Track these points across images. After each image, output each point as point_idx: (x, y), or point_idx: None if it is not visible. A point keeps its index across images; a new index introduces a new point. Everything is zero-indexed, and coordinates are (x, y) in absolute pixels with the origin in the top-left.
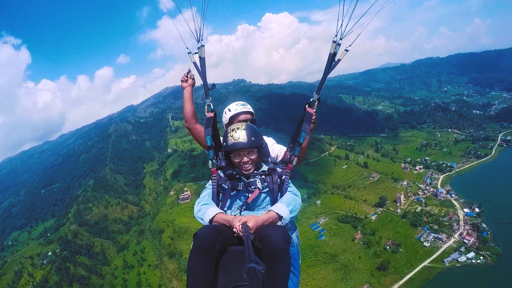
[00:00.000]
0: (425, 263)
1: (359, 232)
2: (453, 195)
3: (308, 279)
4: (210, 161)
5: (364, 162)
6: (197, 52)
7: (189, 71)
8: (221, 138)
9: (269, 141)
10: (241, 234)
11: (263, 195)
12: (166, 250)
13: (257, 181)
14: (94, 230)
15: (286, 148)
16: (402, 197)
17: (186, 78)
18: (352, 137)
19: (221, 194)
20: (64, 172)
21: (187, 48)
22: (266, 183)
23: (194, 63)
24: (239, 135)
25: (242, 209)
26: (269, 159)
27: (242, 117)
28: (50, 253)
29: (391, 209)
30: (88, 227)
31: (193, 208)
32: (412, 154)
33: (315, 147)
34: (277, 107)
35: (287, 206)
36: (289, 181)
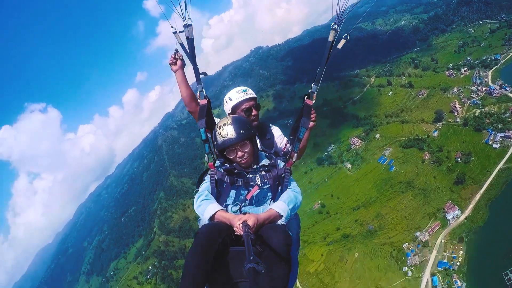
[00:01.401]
0: (500, 165)
1: (426, 152)
2: (508, 88)
3: (391, 212)
4: (206, 155)
5: (408, 82)
6: (183, 31)
7: (176, 51)
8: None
9: (276, 131)
10: (241, 233)
11: (263, 192)
12: None
13: (257, 178)
14: (181, 234)
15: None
16: (457, 105)
17: (174, 60)
18: (386, 61)
19: (220, 188)
20: (134, 196)
21: (172, 27)
22: (265, 180)
23: (181, 45)
24: (227, 131)
25: (242, 206)
26: (272, 150)
27: (245, 105)
28: (150, 268)
29: (450, 120)
30: (175, 233)
31: (194, 201)
32: (452, 59)
33: (355, 84)
34: (302, 59)
35: (287, 204)
36: (290, 177)
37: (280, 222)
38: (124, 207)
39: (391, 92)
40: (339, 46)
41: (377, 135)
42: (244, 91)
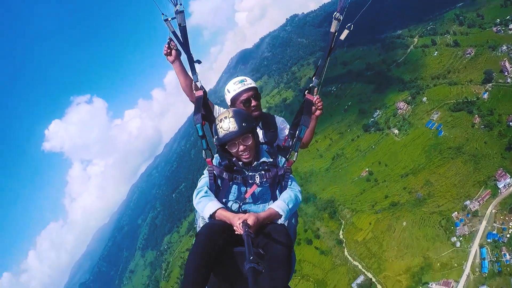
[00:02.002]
0: None
1: (476, 116)
2: None
3: (440, 180)
4: (204, 151)
5: (454, 41)
6: (175, 18)
7: (170, 40)
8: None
9: (280, 123)
10: (242, 232)
11: (262, 190)
12: None
13: (256, 176)
14: None
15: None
16: (507, 64)
17: (168, 51)
18: (429, 20)
19: (219, 183)
20: (183, 172)
21: (163, 14)
22: (265, 179)
23: (174, 33)
24: (229, 124)
25: (241, 203)
26: (275, 143)
27: (243, 96)
28: None
29: (500, 81)
30: None
31: (193, 197)
32: (499, 13)
33: (398, 45)
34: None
35: (287, 203)
36: (290, 176)
37: (280, 221)
38: (175, 184)
39: (436, 52)
40: (342, 37)
41: (424, 99)
42: (241, 81)
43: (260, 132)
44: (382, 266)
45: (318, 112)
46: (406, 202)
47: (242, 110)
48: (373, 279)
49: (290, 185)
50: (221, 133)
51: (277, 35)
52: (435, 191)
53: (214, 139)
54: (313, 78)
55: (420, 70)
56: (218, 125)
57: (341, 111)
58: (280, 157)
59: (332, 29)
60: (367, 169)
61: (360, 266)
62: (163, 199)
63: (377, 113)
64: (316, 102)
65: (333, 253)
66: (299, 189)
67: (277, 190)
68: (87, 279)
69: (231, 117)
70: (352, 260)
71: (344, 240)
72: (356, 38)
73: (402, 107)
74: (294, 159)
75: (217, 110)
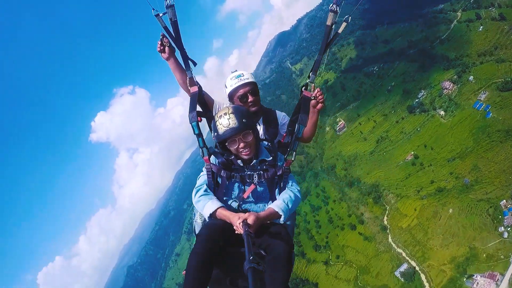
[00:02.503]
0: None
1: None
2: None
3: (489, 165)
4: (201, 149)
5: (499, 14)
6: (166, 13)
7: (163, 36)
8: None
9: (282, 118)
10: (242, 232)
11: (261, 189)
12: (344, 182)
13: (254, 176)
14: None
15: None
16: None
17: (161, 47)
18: None
19: (217, 182)
20: None
21: (153, 9)
22: (263, 179)
23: (165, 28)
24: (228, 121)
25: (240, 202)
26: (276, 140)
27: (240, 92)
28: None
29: None
30: None
31: (192, 195)
32: None
33: (440, 21)
34: (379, 0)
35: (286, 203)
36: (289, 175)
37: (279, 221)
38: None
39: (481, 27)
40: (340, 30)
41: (471, 77)
42: (238, 76)
43: (260, 128)
44: (426, 255)
45: (319, 106)
46: (452, 188)
47: (241, 106)
48: (417, 268)
49: (289, 185)
50: (221, 129)
51: (314, 16)
52: (483, 177)
53: (213, 136)
54: (310, 74)
55: (465, 47)
56: (217, 122)
57: (384, 92)
58: (279, 155)
59: (328, 22)
60: (412, 153)
61: (404, 254)
62: None
63: (422, 93)
64: (317, 95)
65: (377, 240)
66: (299, 188)
67: (276, 190)
68: (135, 262)
69: (231, 113)
70: (396, 247)
71: (389, 226)
72: (397, 14)
73: (447, 86)
74: (293, 159)
75: (217, 105)
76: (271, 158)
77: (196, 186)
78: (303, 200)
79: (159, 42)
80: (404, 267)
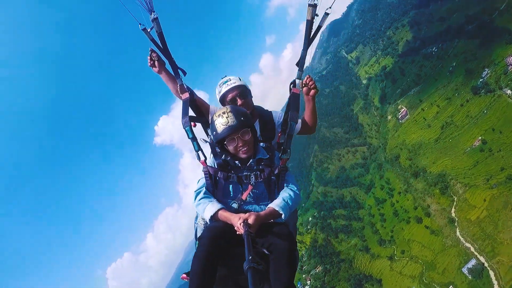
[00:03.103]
0: None
1: None
2: None
3: None
4: (196, 153)
5: None
6: (152, 27)
7: (151, 51)
8: (209, 131)
9: (279, 118)
10: (242, 232)
11: (260, 190)
12: (409, 172)
13: (251, 176)
14: (339, 184)
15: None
16: None
17: (152, 62)
18: None
19: (216, 184)
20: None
21: (140, 24)
22: (260, 180)
23: (153, 41)
24: (227, 119)
25: (240, 203)
26: (274, 141)
27: (229, 97)
28: (310, 219)
29: None
30: (332, 183)
31: (192, 199)
32: None
33: None
34: None
35: (286, 202)
36: (287, 174)
37: (280, 220)
38: None
39: None
40: (322, 23)
41: None
42: (225, 82)
43: (257, 130)
44: (496, 250)
45: (312, 92)
46: None
47: (239, 107)
48: (486, 264)
49: (288, 184)
50: (219, 128)
51: (363, 0)
52: None
53: (212, 136)
54: (297, 71)
55: None
56: (216, 121)
57: (446, 74)
58: (277, 154)
59: (308, 17)
60: (480, 138)
61: (472, 249)
62: None
63: (486, 72)
64: (308, 82)
65: (444, 233)
66: (298, 187)
67: (275, 189)
68: None
69: (229, 112)
70: (464, 242)
71: (456, 219)
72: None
73: None
74: (288, 157)
75: (213, 110)
76: (268, 156)
77: (195, 189)
78: (367, 192)
79: (149, 57)
80: (472, 263)
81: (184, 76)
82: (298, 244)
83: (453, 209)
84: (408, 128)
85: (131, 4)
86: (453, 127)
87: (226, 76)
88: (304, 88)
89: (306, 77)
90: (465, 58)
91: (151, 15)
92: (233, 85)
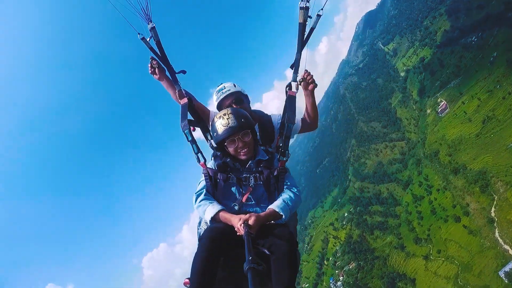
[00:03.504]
0: None
1: None
2: None
3: None
4: (196, 155)
5: None
6: (151, 36)
7: (152, 59)
8: (209, 135)
9: (278, 119)
10: (243, 233)
11: (260, 191)
12: (448, 169)
13: (251, 178)
14: (376, 179)
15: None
16: None
17: (152, 69)
18: None
19: (216, 186)
20: (326, 147)
21: (139, 34)
22: (260, 182)
23: (151, 49)
24: (228, 120)
25: (240, 205)
26: (274, 144)
27: (225, 104)
28: (346, 214)
29: None
30: (369, 179)
31: (193, 201)
32: None
33: None
34: None
35: (287, 203)
36: (287, 175)
37: (280, 221)
38: (318, 159)
39: None
40: (314, 24)
41: None
42: (220, 90)
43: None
44: None
45: (311, 86)
46: None
47: (241, 109)
48: None
49: (288, 185)
50: (220, 129)
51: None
52: None
53: (213, 138)
54: (292, 74)
55: None
56: (216, 123)
57: (486, 65)
58: (276, 156)
59: (300, 20)
60: None
61: (511, 251)
62: (307, 175)
63: None
64: (305, 76)
65: (482, 234)
66: (298, 188)
67: (275, 191)
68: None
69: (230, 113)
70: (502, 243)
71: (496, 219)
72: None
73: None
74: (286, 159)
75: (213, 114)
76: (268, 158)
77: (196, 191)
78: (405, 189)
79: (149, 65)
80: (510, 266)
81: (184, 74)
82: (332, 239)
83: (493, 209)
84: (448, 123)
85: (131, 16)
86: (495, 121)
87: (221, 83)
88: (303, 83)
89: (304, 72)
90: (507, 48)
91: (149, 25)
92: (228, 92)
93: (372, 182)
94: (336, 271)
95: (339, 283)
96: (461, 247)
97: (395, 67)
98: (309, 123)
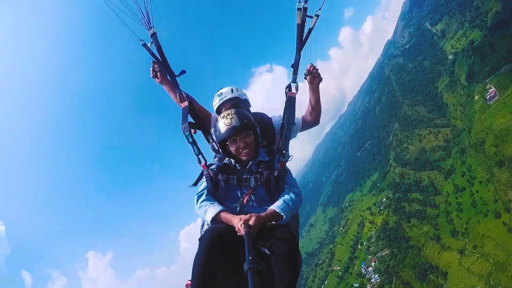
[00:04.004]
0: None
1: None
2: None
3: None
4: (196, 157)
5: None
6: (152, 42)
7: (153, 63)
8: (212, 135)
9: (279, 120)
10: (243, 233)
11: (260, 192)
12: (493, 161)
13: (251, 179)
14: (417, 166)
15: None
16: None
17: (154, 73)
18: None
19: (217, 187)
20: (369, 130)
21: (141, 40)
22: (260, 183)
23: (152, 54)
24: (231, 120)
25: (241, 206)
26: (275, 146)
27: (223, 110)
28: (384, 199)
29: None
30: (410, 165)
31: (194, 202)
32: None
33: None
34: None
35: (287, 203)
36: (287, 176)
37: (281, 222)
38: (360, 142)
39: None
40: (312, 25)
41: None
42: (219, 95)
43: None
44: None
45: (316, 81)
46: None
47: (244, 110)
48: None
49: (289, 186)
50: (223, 128)
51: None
52: None
53: (215, 137)
54: (291, 75)
55: None
56: (219, 122)
57: None
58: (277, 157)
59: (298, 20)
60: None
61: None
62: (348, 158)
63: None
64: (312, 70)
65: None
66: (299, 189)
67: (276, 192)
68: None
69: (233, 113)
70: None
71: None
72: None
73: None
74: (286, 159)
75: (214, 117)
76: (268, 159)
77: (197, 192)
78: (446, 178)
79: (151, 69)
80: None
81: (184, 73)
82: (368, 224)
83: None
84: (496, 111)
85: (133, 22)
86: None
87: (221, 88)
88: (308, 77)
89: (309, 65)
90: None
91: (149, 31)
92: (225, 98)
93: (413, 168)
94: (369, 256)
95: (370, 268)
96: (498, 245)
97: (443, 49)
98: (311, 120)
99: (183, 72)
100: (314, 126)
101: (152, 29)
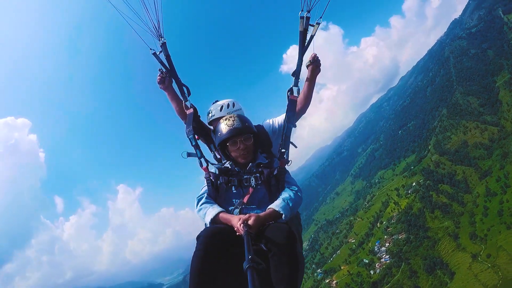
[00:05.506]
0: None
1: None
2: None
3: None
4: (199, 160)
5: None
6: (161, 51)
7: (161, 69)
8: (213, 136)
9: (268, 124)
10: (242, 233)
11: (260, 192)
12: None
13: (251, 179)
14: (455, 158)
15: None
16: None
17: (161, 79)
18: None
19: (217, 190)
20: (415, 110)
21: (151, 49)
22: (260, 182)
23: (161, 63)
24: (233, 122)
25: (241, 207)
26: (276, 149)
27: (215, 124)
28: (414, 184)
29: None
30: (449, 155)
31: (194, 205)
32: None
33: None
34: None
35: (287, 202)
36: (287, 175)
37: (281, 220)
38: (403, 120)
39: None
40: (313, 32)
41: None
42: (227, 107)
43: None
44: None
45: (318, 70)
46: None
47: (245, 116)
48: None
49: (288, 185)
50: (225, 129)
51: None
52: None
53: (217, 138)
54: (293, 79)
55: None
56: (221, 124)
57: None
58: (276, 159)
59: (301, 28)
60: None
61: None
62: (388, 134)
63: None
64: (315, 59)
65: None
66: (299, 188)
67: (276, 192)
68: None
69: (235, 116)
70: None
71: None
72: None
73: None
74: (286, 157)
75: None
76: (268, 162)
77: (197, 195)
78: (481, 178)
79: (159, 75)
80: None
81: (188, 96)
82: (393, 204)
83: None
84: None
85: (144, 33)
86: None
87: (217, 101)
88: (311, 66)
89: (313, 54)
90: None
91: (159, 40)
92: (233, 111)
93: (450, 159)
94: (385, 236)
95: (383, 248)
96: (511, 260)
97: (511, 42)
98: (300, 108)
99: (187, 90)
100: (301, 115)
101: (162, 38)
